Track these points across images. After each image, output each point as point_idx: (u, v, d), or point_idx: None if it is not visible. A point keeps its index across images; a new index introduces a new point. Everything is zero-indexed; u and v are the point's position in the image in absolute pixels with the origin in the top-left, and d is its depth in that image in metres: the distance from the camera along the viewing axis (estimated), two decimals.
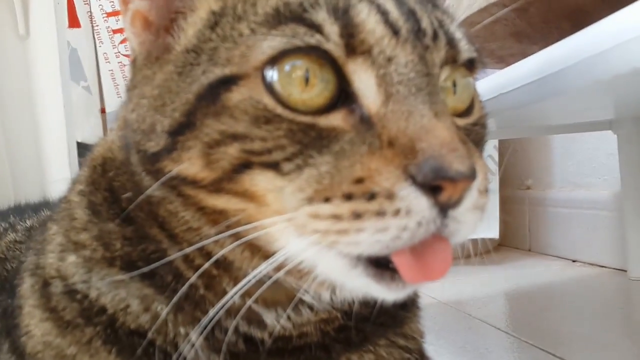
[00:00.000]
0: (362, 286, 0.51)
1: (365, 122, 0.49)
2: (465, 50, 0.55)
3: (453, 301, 1.60)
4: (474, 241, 0.61)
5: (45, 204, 1.08)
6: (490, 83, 0.93)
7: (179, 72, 0.52)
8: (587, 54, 0.70)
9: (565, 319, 1.45)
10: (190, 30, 0.54)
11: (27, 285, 0.62)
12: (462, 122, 0.56)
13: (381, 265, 0.49)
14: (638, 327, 1.39)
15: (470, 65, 0.58)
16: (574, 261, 2.07)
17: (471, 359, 1.18)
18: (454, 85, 0.56)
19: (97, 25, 2.20)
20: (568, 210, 2.15)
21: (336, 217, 0.46)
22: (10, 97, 1.84)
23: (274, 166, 0.48)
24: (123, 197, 0.58)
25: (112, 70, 2.30)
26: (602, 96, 1.01)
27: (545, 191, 2.32)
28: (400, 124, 0.47)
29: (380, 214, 0.45)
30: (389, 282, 0.49)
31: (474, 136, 0.57)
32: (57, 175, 1.82)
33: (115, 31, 2.18)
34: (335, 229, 0.46)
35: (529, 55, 0.92)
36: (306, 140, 0.48)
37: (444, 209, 0.46)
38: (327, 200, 0.47)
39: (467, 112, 0.58)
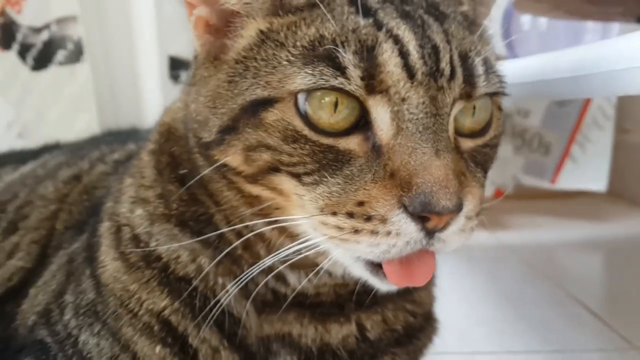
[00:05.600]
0: (362, 276, 0.64)
1: (376, 151, 0.57)
2: (482, 86, 0.60)
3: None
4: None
5: (132, 134, 1.24)
6: None
7: (229, 80, 0.62)
8: None
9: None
10: (242, 42, 0.63)
11: (105, 226, 0.77)
12: (472, 143, 0.63)
13: (377, 265, 0.60)
14: None
15: (491, 95, 0.63)
16: None
17: (509, 308, 1.26)
18: (474, 108, 0.62)
19: None
20: None
21: (339, 228, 0.57)
22: (107, 9, 1.96)
23: (297, 176, 0.59)
24: (180, 173, 0.72)
25: None
26: None
27: None
28: (404, 158, 0.55)
29: (375, 232, 0.56)
30: (382, 278, 0.60)
31: (481, 157, 0.64)
32: (149, 86, 2.00)
33: None
34: (338, 237, 0.57)
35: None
36: (324, 161, 0.57)
37: (430, 233, 0.56)
38: (334, 214, 0.57)
39: (481, 132, 0.64)
